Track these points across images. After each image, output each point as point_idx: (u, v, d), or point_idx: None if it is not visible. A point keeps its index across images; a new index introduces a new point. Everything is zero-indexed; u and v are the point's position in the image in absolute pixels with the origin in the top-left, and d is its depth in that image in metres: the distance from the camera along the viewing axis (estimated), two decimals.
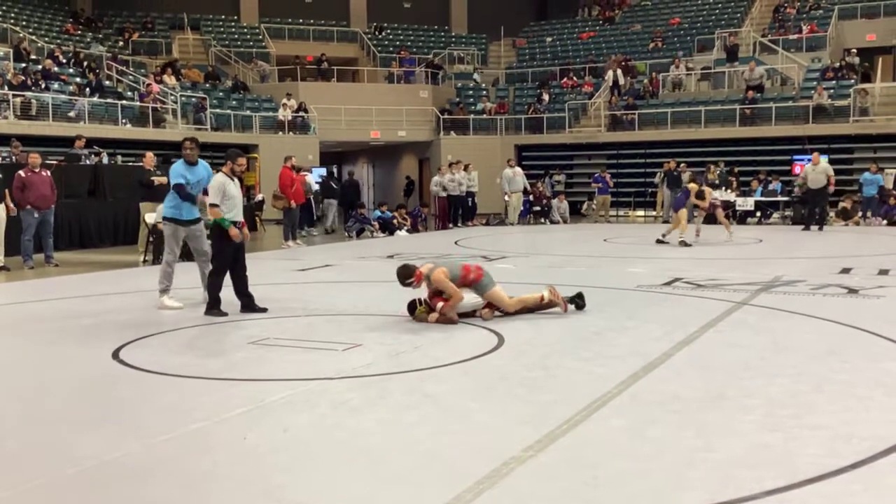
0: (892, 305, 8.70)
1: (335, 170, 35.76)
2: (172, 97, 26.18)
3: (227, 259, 8.69)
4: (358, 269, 12.77)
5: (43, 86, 22.94)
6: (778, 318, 7.97)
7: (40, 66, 24.16)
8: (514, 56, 36.66)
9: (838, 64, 27.24)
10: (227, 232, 8.53)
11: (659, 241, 15.81)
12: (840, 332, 7.31)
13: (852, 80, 26.22)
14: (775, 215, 22.67)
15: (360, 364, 6.27)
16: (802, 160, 23.88)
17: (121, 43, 31.08)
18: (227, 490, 3.87)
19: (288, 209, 17.26)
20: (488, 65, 36.28)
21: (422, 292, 8.03)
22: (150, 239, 14.16)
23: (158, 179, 15.36)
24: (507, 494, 3.72)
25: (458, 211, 22.95)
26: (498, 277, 8.76)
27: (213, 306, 8.65)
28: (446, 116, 30.54)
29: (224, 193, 8.64)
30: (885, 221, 20.66)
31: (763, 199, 22.29)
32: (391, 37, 36.56)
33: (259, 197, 24.00)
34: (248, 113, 28.22)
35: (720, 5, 34.54)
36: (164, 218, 9.33)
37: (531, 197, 24.50)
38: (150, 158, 16.10)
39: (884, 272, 11.23)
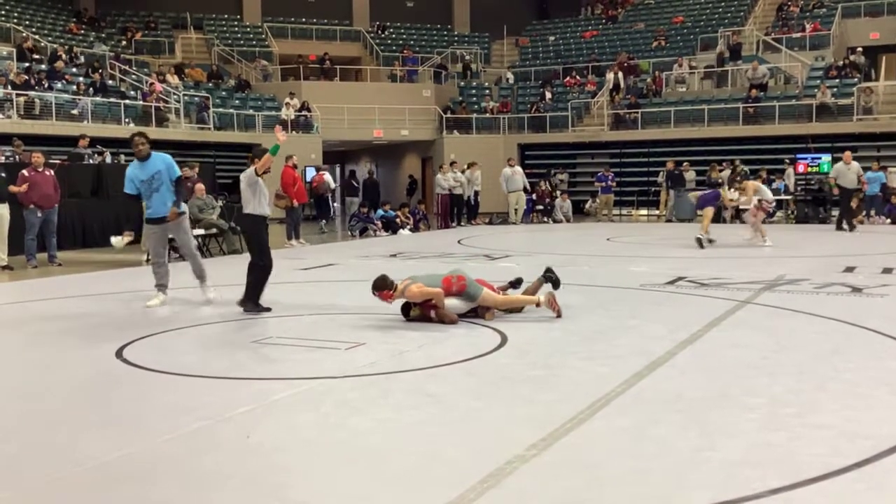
0: (895, 304, 8.68)
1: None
2: (175, 96, 26.20)
3: (268, 255, 8.84)
4: (361, 268, 12.76)
5: (46, 85, 22.96)
6: (781, 317, 7.96)
7: (44, 66, 24.18)
8: (517, 55, 36.64)
9: (842, 62, 27.19)
10: (261, 224, 8.85)
11: (699, 240, 15.49)
12: (844, 330, 7.29)
13: (856, 79, 26.19)
14: (778, 214, 22.63)
15: (363, 363, 6.27)
16: (806, 159, 23.87)
17: (124, 42, 31.11)
18: (230, 489, 3.86)
19: (290, 208, 17.26)
20: (491, 63, 36.27)
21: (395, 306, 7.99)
22: None
23: None
24: (510, 494, 3.72)
25: (457, 210, 22.96)
26: (501, 277, 8.76)
27: (254, 302, 8.67)
28: (449, 115, 30.53)
29: (259, 190, 8.83)
30: (888, 220, 20.62)
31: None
32: (394, 36, 36.57)
33: None
34: (250, 112, 28.24)
35: (723, 4, 34.52)
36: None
37: (534, 196, 24.50)
38: None
39: (888, 271, 11.20)
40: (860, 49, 27.96)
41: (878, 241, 15.13)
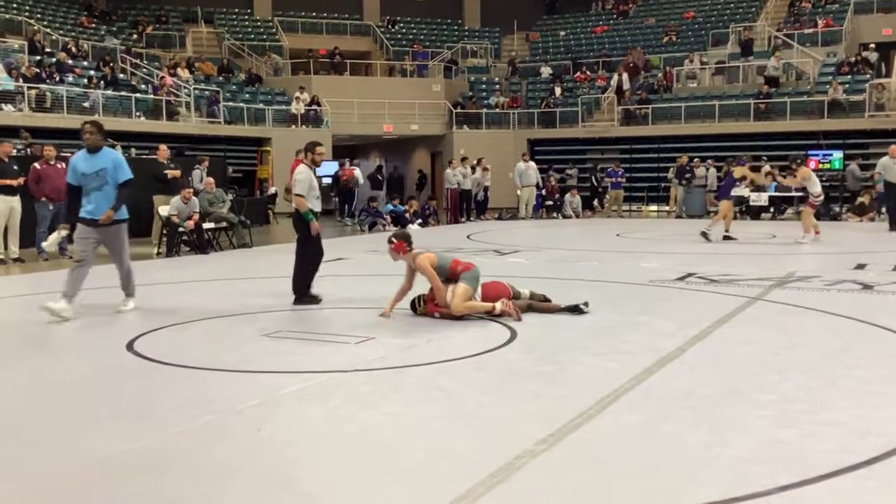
0: None
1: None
2: (186, 90, 26.24)
3: (315, 250, 8.79)
4: (370, 262, 12.78)
5: (57, 78, 23.03)
6: (792, 314, 7.94)
7: (55, 59, 24.24)
8: (528, 50, 36.57)
9: (854, 59, 27.05)
10: (313, 220, 8.70)
11: (726, 238, 15.36)
12: (855, 328, 7.27)
13: (868, 75, 26.04)
14: (789, 210, 22.54)
15: (372, 357, 6.28)
16: (817, 155, 23.76)
17: (135, 36, 31.18)
18: (240, 482, 3.88)
19: None
20: (501, 58, 36.21)
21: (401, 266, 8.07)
22: (164, 232, 14.23)
23: (172, 173, 15.45)
24: (520, 489, 3.72)
25: (466, 205, 23.00)
26: (510, 271, 8.75)
27: (304, 295, 8.70)
28: (459, 110, 30.50)
29: (311, 186, 8.74)
30: None
31: (777, 194, 22.15)
32: (404, 30, 36.54)
33: (272, 190, 24.06)
34: (261, 106, 28.27)
35: None
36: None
37: (543, 191, 24.49)
38: (163, 151, 16.17)
39: None
40: (872, 45, 27.79)
41: (889, 238, 15.05)
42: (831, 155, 23.68)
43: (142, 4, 33.98)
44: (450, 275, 7.79)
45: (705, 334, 6.99)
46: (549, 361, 6.15)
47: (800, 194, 21.05)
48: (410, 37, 35.96)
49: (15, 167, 13.29)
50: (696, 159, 24.47)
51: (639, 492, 3.70)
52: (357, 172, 22.90)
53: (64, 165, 14.02)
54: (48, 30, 27.59)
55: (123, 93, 24.23)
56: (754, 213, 22.43)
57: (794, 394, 5.19)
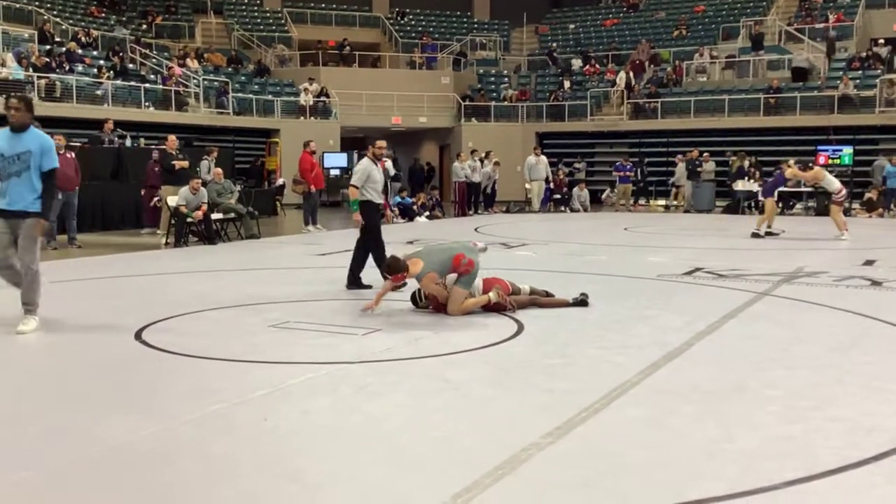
0: None
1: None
2: (195, 80, 26.27)
3: (369, 238, 9.09)
4: None
5: (67, 68, 23.07)
6: (800, 310, 7.92)
7: (64, 49, 24.28)
8: (537, 43, 36.49)
9: (864, 54, 26.91)
10: (374, 211, 9.11)
11: (764, 234, 15.03)
12: (862, 324, 7.25)
13: (878, 71, 25.91)
14: (798, 206, 22.48)
15: (379, 349, 6.29)
16: (827, 150, 23.67)
17: (144, 26, 31.20)
18: (247, 471, 3.89)
19: (308, 194, 17.32)
20: (510, 51, 36.13)
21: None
22: (172, 222, 14.27)
23: (180, 163, 15.49)
24: (526, 481, 3.73)
25: (474, 198, 23.00)
26: (518, 265, 8.74)
27: (353, 281, 9.02)
28: (467, 103, 30.46)
29: (368, 178, 9.10)
30: None
31: (786, 189, 22.06)
32: (413, 22, 36.48)
33: (280, 181, 24.08)
34: (269, 97, 28.27)
35: None
36: None
37: (551, 185, 24.46)
38: (172, 141, 16.20)
39: None
40: (882, 41, 27.64)
41: None
42: (841, 150, 23.58)
43: None
44: (451, 270, 7.65)
45: (712, 329, 6.98)
46: (556, 355, 6.15)
47: (808, 189, 21.02)
48: (420, 29, 35.89)
49: None
50: (705, 153, 24.41)
51: (645, 485, 3.71)
52: (388, 164, 22.88)
53: (73, 155, 14.11)
54: (58, 19, 27.62)
55: (133, 83, 24.26)
56: (762, 208, 22.32)
57: (801, 389, 5.18)
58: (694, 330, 6.90)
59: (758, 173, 22.95)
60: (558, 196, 24.59)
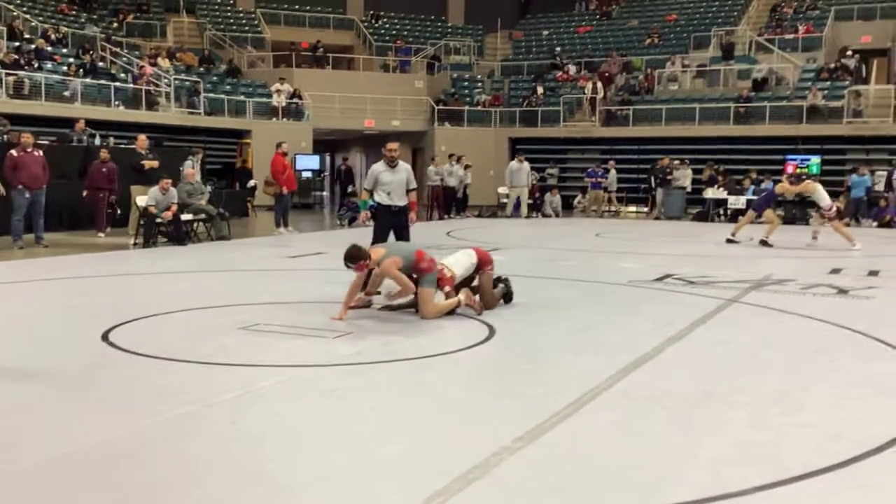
0: (881, 306, 8.74)
1: (329, 158, 35.73)
2: (166, 80, 26.05)
3: (377, 240, 9.13)
4: None
5: (36, 65, 22.79)
6: (768, 317, 8.00)
7: (34, 46, 23.98)
8: (510, 48, 36.61)
9: (833, 65, 27.30)
10: (382, 213, 9.29)
11: (763, 244, 14.93)
12: (830, 331, 7.34)
13: (847, 82, 26.29)
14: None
15: (350, 352, 6.26)
16: (795, 160, 23.97)
17: (115, 24, 30.89)
18: (216, 473, 3.86)
19: (279, 195, 17.24)
20: (484, 56, 36.22)
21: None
22: (141, 222, 14.13)
23: (149, 163, 15.34)
24: (496, 485, 3.73)
25: (453, 202, 23.03)
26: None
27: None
28: (441, 107, 30.49)
29: (376, 181, 9.26)
30: (875, 223, 20.74)
31: (755, 197, 22.30)
32: (387, 26, 36.46)
33: (251, 183, 23.94)
34: (241, 98, 28.11)
35: (717, 3, 34.55)
36: None
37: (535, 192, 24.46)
38: (142, 141, 16.06)
39: (873, 273, 11.27)
40: (850, 52, 28.07)
41: (864, 243, 15.19)
42: (809, 160, 23.89)
43: None
44: (413, 265, 7.62)
45: (682, 335, 7.03)
46: (527, 359, 6.16)
47: (791, 199, 21.23)
48: (394, 32, 35.88)
49: None
50: (675, 161, 24.60)
51: (615, 490, 3.72)
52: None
53: (41, 153, 13.93)
54: (28, 16, 27.28)
55: (103, 81, 24.01)
56: (732, 216, 22.56)
57: (770, 395, 5.23)
58: (664, 336, 6.94)
59: (722, 180, 23.16)
60: (530, 201, 24.64)
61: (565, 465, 4.00)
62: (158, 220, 13.83)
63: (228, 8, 35.13)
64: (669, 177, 23.95)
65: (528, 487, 3.72)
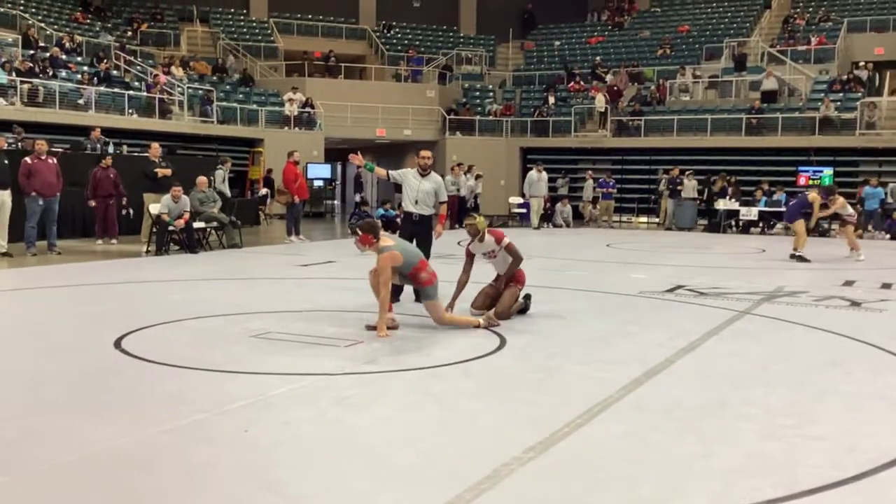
0: (894, 319, 8.69)
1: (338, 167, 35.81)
2: (179, 89, 26.19)
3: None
4: (360, 266, 12.71)
5: (51, 73, 22.94)
6: (780, 329, 7.97)
7: (48, 54, 24.15)
8: (522, 58, 36.66)
9: (846, 77, 27.23)
10: (405, 221, 9.33)
11: (793, 257, 14.58)
12: (842, 344, 7.30)
13: (859, 94, 26.22)
14: (778, 226, 22.65)
15: (361, 361, 6.27)
16: (808, 171, 23.91)
17: (129, 33, 31.09)
18: (226, 482, 3.86)
19: (291, 204, 17.30)
20: (496, 66, 36.27)
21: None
22: (154, 230, 14.19)
23: (162, 171, 15.41)
24: (507, 496, 3.72)
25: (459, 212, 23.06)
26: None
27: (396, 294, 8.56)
28: (452, 117, 30.53)
29: (402, 180, 9.40)
30: (888, 236, 20.64)
31: (767, 209, 22.27)
32: (399, 35, 36.57)
33: (262, 191, 24.02)
34: (254, 107, 28.23)
35: (730, 14, 34.53)
36: None
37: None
38: (155, 149, 16.14)
39: (886, 286, 11.21)
40: (863, 64, 28.00)
41: (878, 256, 15.13)
42: (821, 171, 23.82)
43: (137, 2, 33.90)
44: (411, 273, 7.55)
45: (694, 346, 7.01)
46: (539, 369, 6.15)
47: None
48: (406, 42, 35.99)
49: (6, 161, 13.24)
50: (687, 172, 24.56)
51: (626, 501, 3.71)
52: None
53: (55, 160, 14.02)
54: (42, 24, 27.48)
55: (116, 89, 24.14)
56: (744, 227, 22.53)
57: (782, 407, 5.21)
58: (675, 347, 6.92)
59: (732, 191, 23.10)
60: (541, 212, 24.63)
61: (577, 475, 3.99)
62: (171, 227, 13.89)
63: (242, 17, 35.32)
64: (679, 187, 23.93)
65: (539, 498, 3.71)
